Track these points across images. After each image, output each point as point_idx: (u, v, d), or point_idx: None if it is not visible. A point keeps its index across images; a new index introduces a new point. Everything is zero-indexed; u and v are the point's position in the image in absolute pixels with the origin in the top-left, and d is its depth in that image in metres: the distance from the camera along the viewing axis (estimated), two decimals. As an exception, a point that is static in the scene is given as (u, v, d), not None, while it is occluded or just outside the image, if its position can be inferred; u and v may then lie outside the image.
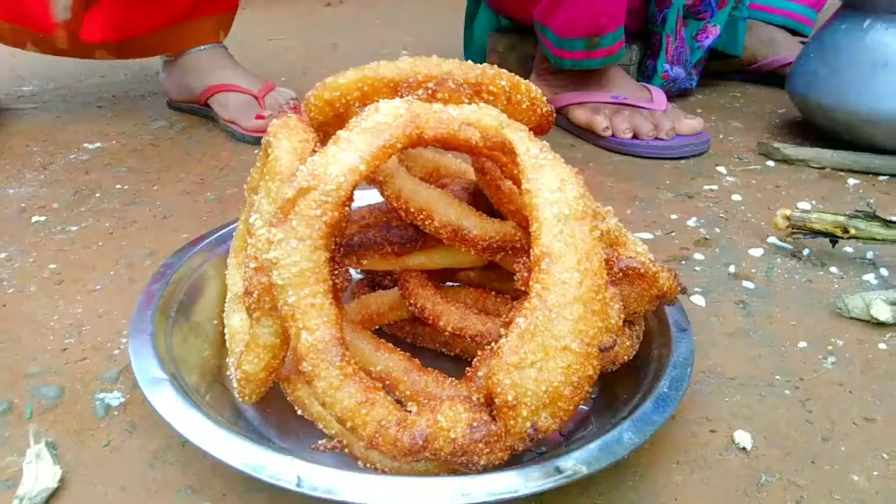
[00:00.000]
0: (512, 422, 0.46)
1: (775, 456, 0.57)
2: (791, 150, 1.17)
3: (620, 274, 0.55)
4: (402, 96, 0.55)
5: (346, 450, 0.51)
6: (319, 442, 0.51)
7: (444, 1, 2.70)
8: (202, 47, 1.29)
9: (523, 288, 0.55)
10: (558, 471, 0.46)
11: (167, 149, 1.20)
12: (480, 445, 0.45)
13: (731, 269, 0.85)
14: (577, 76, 1.30)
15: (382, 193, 0.60)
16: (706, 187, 1.09)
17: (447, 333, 0.59)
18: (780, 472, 0.56)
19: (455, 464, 0.46)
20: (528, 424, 0.46)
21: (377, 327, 0.66)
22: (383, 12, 2.78)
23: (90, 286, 0.78)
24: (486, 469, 0.46)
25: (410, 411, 0.47)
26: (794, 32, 1.64)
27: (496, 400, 0.46)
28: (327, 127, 0.59)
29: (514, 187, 0.59)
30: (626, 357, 0.58)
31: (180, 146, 1.21)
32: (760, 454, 0.58)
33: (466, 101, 0.55)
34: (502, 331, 0.49)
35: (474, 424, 0.46)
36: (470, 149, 0.50)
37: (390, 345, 0.57)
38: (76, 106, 1.42)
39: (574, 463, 0.47)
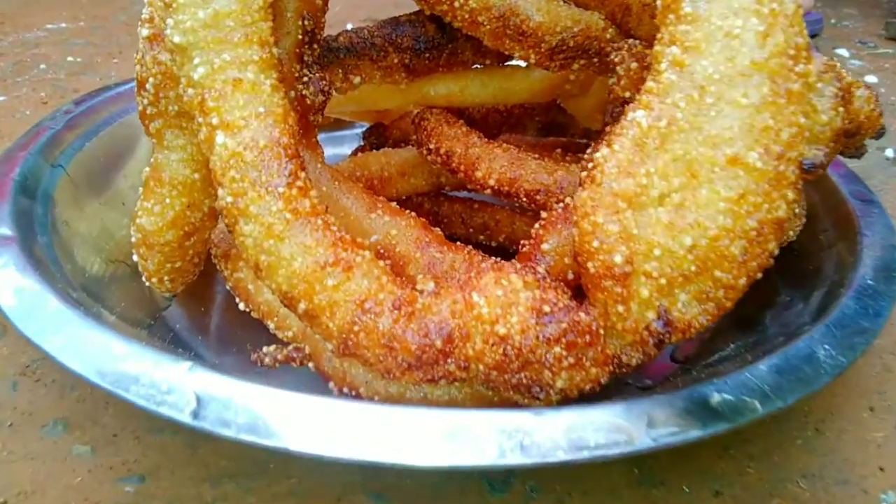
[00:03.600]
0: (620, 307, 0.23)
1: None
2: (933, 30, 0.90)
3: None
4: None
5: (311, 363, 0.29)
6: (264, 350, 0.29)
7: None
8: None
9: (626, 95, 0.32)
10: (706, 407, 0.23)
11: (143, 28, 0.98)
12: (557, 351, 0.23)
13: (889, 153, 0.61)
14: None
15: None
16: (828, 68, 0.83)
17: (488, 192, 0.36)
18: None
19: (506, 388, 0.24)
20: (652, 314, 0.23)
21: (382, 203, 0.44)
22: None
23: None
24: (565, 399, 0.24)
25: (422, 290, 0.25)
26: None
27: (589, 265, 0.24)
28: None
29: (603, -47, 0.36)
30: (785, 236, 0.34)
31: (159, 26, 1.00)
32: None
33: None
34: (585, 176, 0.26)
35: (545, 310, 0.23)
36: None
37: (394, 204, 0.35)
38: (53, -6, 1.21)
39: (734, 394, 0.24)
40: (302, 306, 0.24)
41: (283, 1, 0.33)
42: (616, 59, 0.31)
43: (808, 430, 0.32)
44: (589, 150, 0.32)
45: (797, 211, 0.34)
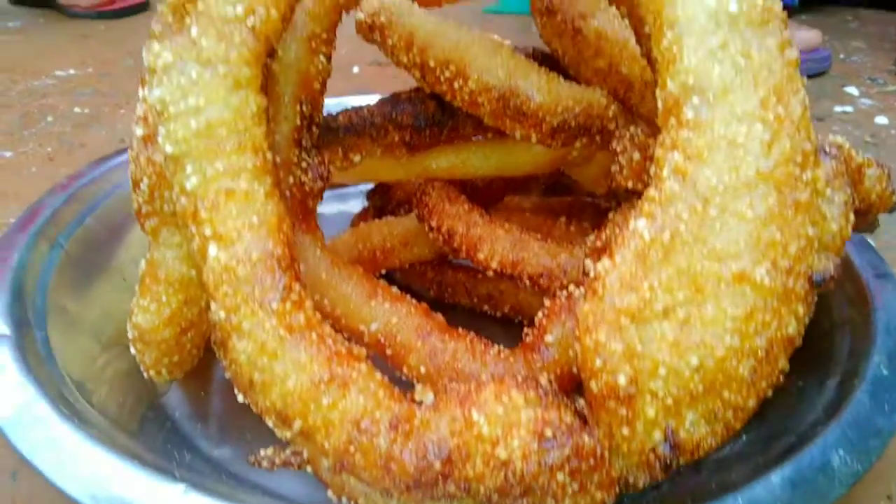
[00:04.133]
0: (625, 430, 0.22)
1: None
2: (944, 66, 0.90)
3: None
4: None
5: (309, 467, 0.28)
6: (262, 452, 0.28)
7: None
8: None
9: (628, 185, 0.31)
10: (718, 529, 0.23)
11: (151, 74, 0.99)
12: (560, 477, 0.22)
13: (901, 205, 0.60)
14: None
15: (385, 46, 0.36)
16: (838, 109, 0.83)
17: (491, 273, 0.36)
18: None
19: (507, 510, 0.23)
20: (659, 434, 0.22)
21: (383, 273, 0.43)
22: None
23: (4, 219, 0.58)
24: (570, 523, 0.23)
25: (420, 402, 0.24)
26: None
27: (592, 384, 0.23)
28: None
29: (602, 30, 0.36)
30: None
31: (167, 71, 1.00)
32: None
33: None
34: (590, 265, 0.25)
35: (547, 434, 0.22)
36: None
37: (394, 289, 0.34)
38: (63, 38, 1.22)
39: (747, 513, 0.23)
40: (297, 425, 0.23)
41: (280, 86, 0.33)
42: (618, 149, 0.30)
43: (825, 524, 0.31)
44: (590, 239, 0.31)
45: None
